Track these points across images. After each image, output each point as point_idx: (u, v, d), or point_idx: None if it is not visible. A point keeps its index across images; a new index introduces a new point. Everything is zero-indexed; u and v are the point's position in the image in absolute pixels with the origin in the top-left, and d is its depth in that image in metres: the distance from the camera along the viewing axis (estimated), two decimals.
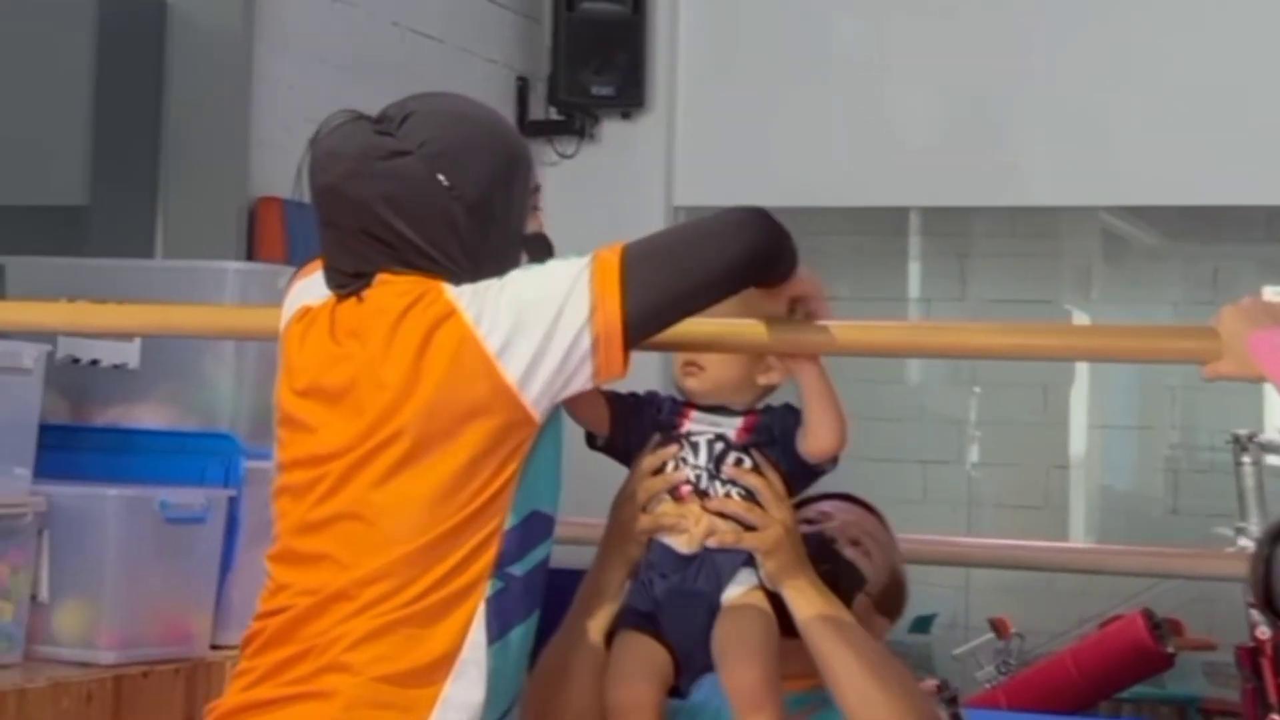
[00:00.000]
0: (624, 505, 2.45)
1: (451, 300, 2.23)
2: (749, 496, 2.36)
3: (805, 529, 2.48)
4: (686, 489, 2.40)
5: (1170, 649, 6.37)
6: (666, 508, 2.40)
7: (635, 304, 2.18)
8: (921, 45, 7.26)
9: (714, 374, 2.41)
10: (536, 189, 2.46)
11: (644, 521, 2.40)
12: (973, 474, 9.15)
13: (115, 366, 4.01)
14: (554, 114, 7.35)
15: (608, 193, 7.40)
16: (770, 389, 2.44)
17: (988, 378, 9.07)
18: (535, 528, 2.22)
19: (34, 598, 3.61)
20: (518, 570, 2.20)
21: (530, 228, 2.40)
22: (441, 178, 2.27)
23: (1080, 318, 9.10)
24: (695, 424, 2.41)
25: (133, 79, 5.39)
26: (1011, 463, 9.03)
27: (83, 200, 5.27)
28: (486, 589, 2.17)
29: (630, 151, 7.44)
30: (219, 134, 5.33)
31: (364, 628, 2.17)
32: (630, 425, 2.44)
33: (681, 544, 2.40)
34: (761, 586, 2.36)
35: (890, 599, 2.58)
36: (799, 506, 2.51)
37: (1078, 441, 9.19)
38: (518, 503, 2.19)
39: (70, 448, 3.90)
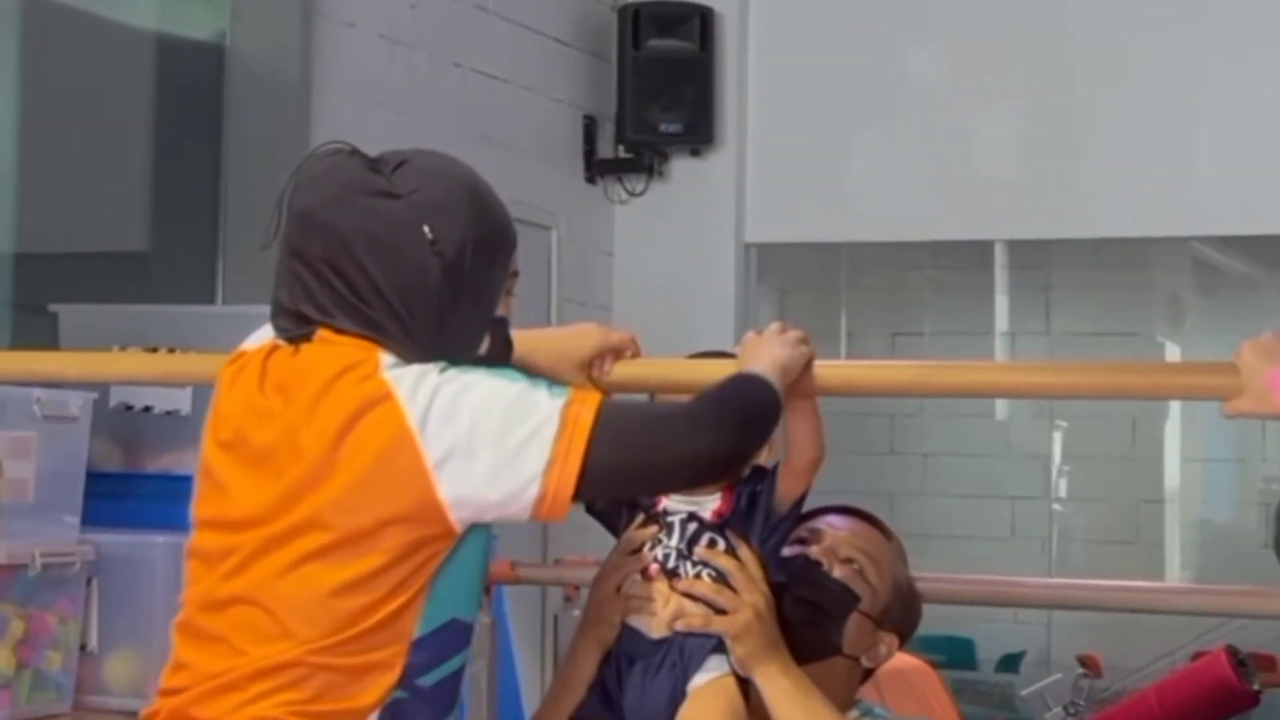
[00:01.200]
0: (599, 584, 2.38)
1: (388, 382, 2.10)
2: (720, 578, 2.28)
3: (792, 550, 2.41)
4: (655, 568, 2.31)
5: (1256, 686, 6.20)
6: (635, 589, 2.32)
7: (594, 473, 2.06)
8: (999, 73, 7.18)
9: None
10: (515, 274, 2.36)
11: (615, 603, 2.32)
12: (1061, 509, 9.03)
13: (168, 413, 3.98)
14: (622, 152, 7.32)
15: (678, 231, 7.35)
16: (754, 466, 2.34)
17: (1073, 412, 8.95)
18: (451, 637, 2.12)
19: (83, 647, 3.59)
20: (426, 681, 2.10)
21: (500, 311, 2.29)
22: (427, 229, 2.16)
23: (1173, 350, 8.98)
24: (672, 501, 2.33)
25: (192, 123, 5.40)
26: (1100, 498, 8.90)
27: (143, 246, 5.27)
28: (387, 698, 2.08)
29: (700, 188, 7.39)
30: (279, 178, 5.27)
31: (251, 717, 2.09)
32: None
33: (649, 627, 2.32)
34: (732, 672, 2.27)
35: (896, 614, 2.47)
36: (799, 522, 2.43)
37: (1171, 475, 9.04)
38: (430, 612, 2.09)
39: (119, 495, 3.87)
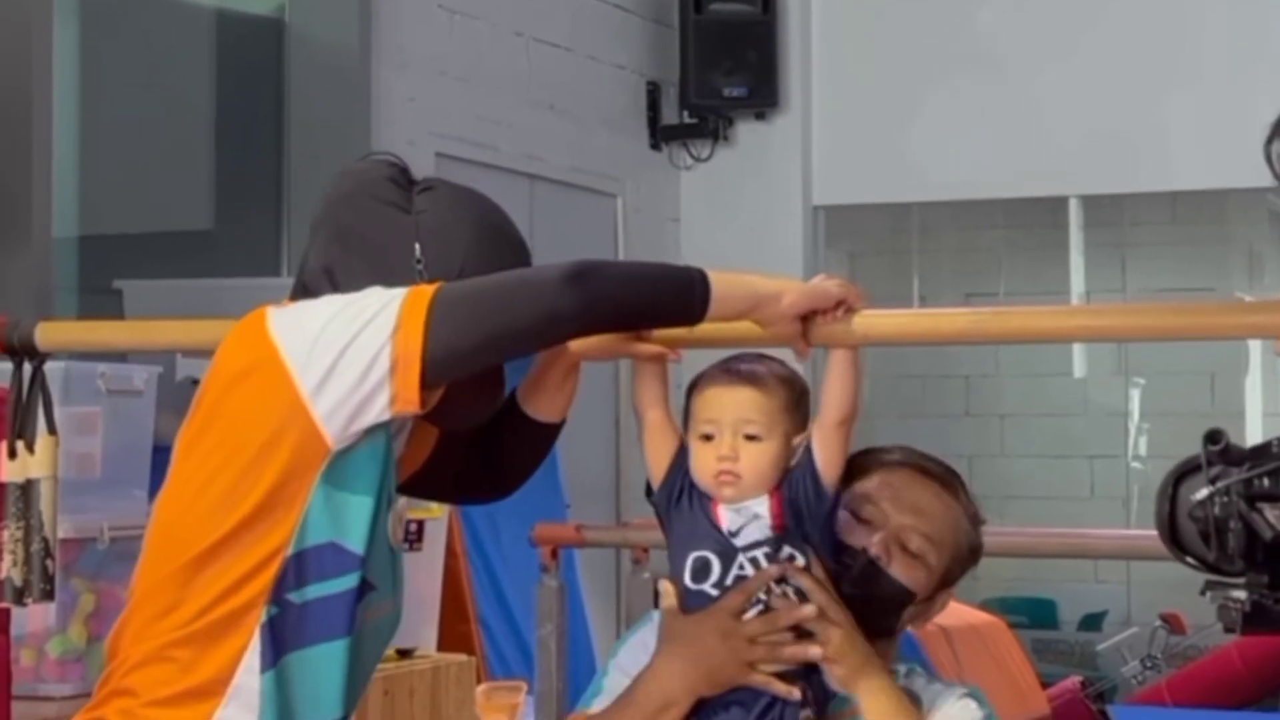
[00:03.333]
0: (719, 639, 2.21)
1: (269, 324, 2.14)
2: (800, 595, 2.23)
3: (849, 532, 2.32)
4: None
5: None
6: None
7: (438, 335, 2.07)
8: (1067, 26, 7.10)
9: (750, 481, 2.23)
10: None
11: (757, 680, 2.23)
12: (1140, 468, 8.94)
13: None
14: (687, 118, 7.29)
15: (745, 195, 7.31)
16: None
17: (1151, 368, 8.85)
18: (328, 560, 2.12)
19: None
20: (294, 598, 2.11)
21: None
22: (417, 248, 2.21)
23: None
24: (731, 516, 2.26)
25: (253, 99, 5.41)
26: (1180, 455, 8.77)
27: (207, 225, 5.29)
28: (262, 615, 2.10)
29: (766, 152, 7.34)
30: (341, 151, 5.30)
31: (143, 650, 2.14)
32: (674, 478, 2.30)
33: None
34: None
35: (953, 574, 2.40)
36: (857, 469, 2.35)
37: (1252, 430, 8.93)
38: (308, 529, 2.10)
39: None
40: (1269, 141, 1.88)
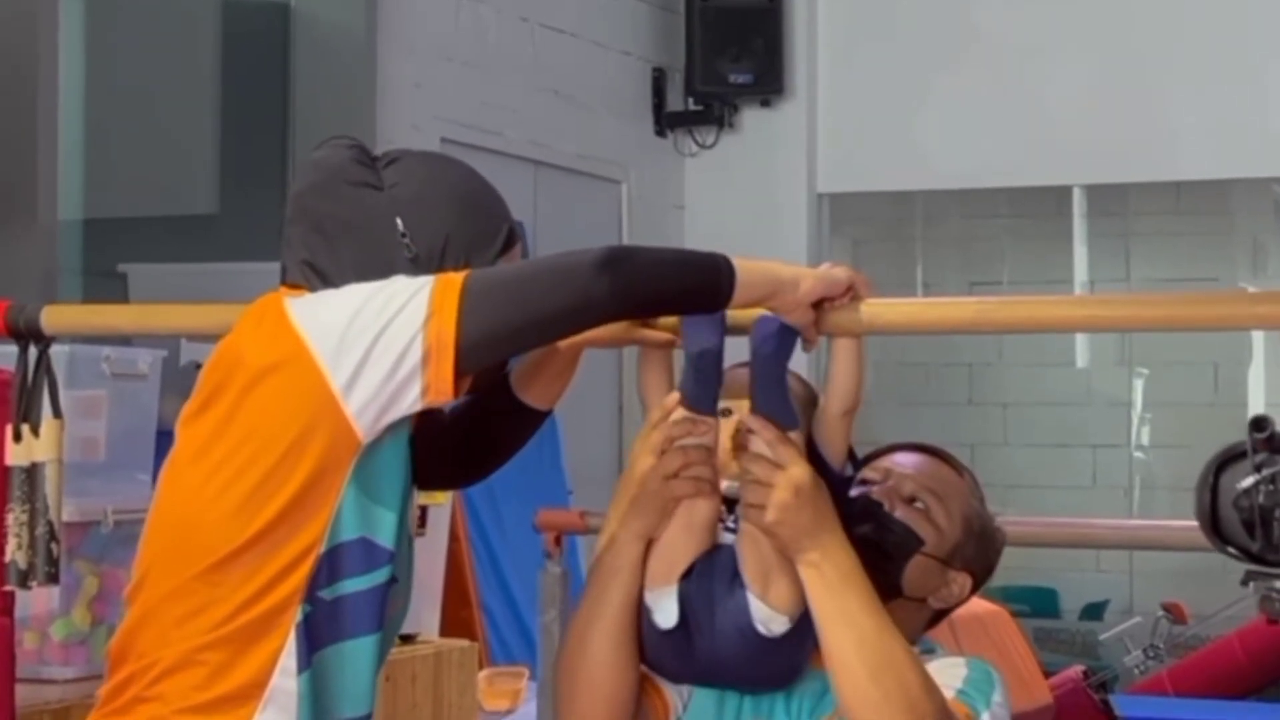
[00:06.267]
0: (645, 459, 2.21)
1: (292, 316, 2.12)
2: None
3: (856, 491, 2.33)
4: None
5: None
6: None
7: (471, 323, 2.04)
8: (1072, 15, 7.09)
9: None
10: None
11: (681, 489, 2.17)
12: (1143, 457, 8.93)
13: None
14: (692, 104, 7.29)
15: (749, 182, 7.31)
16: None
17: (1155, 359, 8.85)
18: (360, 555, 2.09)
19: None
20: (326, 595, 2.08)
21: None
22: (399, 222, 2.18)
23: None
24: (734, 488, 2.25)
25: (258, 84, 5.40)
26: (1182, 445, 8.78)
27: (212, 209, 5.28)
28: (297, 614, 2.07)
29: (771, 139, 7.34)
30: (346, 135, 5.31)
31: (171, 655, 2.10)
32: None
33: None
34: None
35: (968, 552, 2.37)
36: (864, 463, 2.36)
37: None
38: (340, 525, 2.08)
39: None
40: None
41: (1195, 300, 2.17)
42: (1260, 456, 1.74)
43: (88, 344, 3.52)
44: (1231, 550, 1.78)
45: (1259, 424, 1.75)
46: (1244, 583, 1.78)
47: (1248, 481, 1.73)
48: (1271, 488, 1.70)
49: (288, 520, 2.07)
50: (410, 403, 2.07)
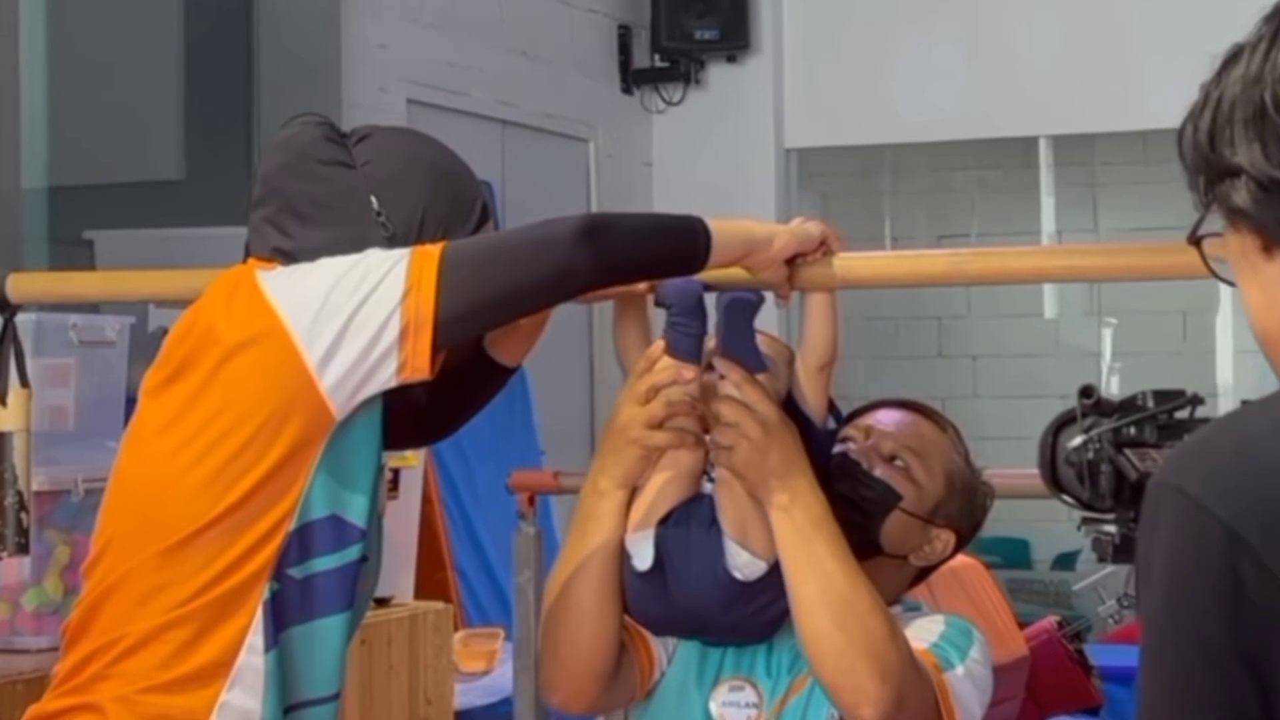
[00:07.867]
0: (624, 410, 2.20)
1: (265, 290, 2.09)
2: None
3: (837, 449, 2.33)
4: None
5: None
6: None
7: (450, 297, 2.02)
8: None
9: None
10: None
11: (656, 439, 2.16)
12: None
13: None
14: (658, 61, 7.27)
15: (717, 138, 7.29)
16: None
17: (1123, 308, 8.87)
18: (330, 533, 2.07)
19: None
20: (296, 573, 2.06)
21: None
22: (374, 200, 2.16)
23: None
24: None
25: (222, 49, 5.36)
26: None
27: (177, 175, 5.25)
28: (264, 592, 2.04)
29: (738, 95, 7.32)
30: (311, 99, 5.25)
31: (135, 633, 2.07)
32: None
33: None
34: None
35: (951, 509, 2.37)
36: (848, 420, 2.36)
37: (1224, 368, 8.95)
38: (311, 503, 2.05)
39: None
40: None
41: (1168, 250, 2.17)
42: (1089, 420, 1.95)
43: (55, 312, 3.50)
44: (1067, 499, 1.98)
45: (1087, 391, 1.96)
46: (1078, 528, 1.99)
47: (1077, 440, 1.94)
48: (1097, 446, 1.92)
49: (258, 497, 2.04)
50: (385, 379, 2.04)
